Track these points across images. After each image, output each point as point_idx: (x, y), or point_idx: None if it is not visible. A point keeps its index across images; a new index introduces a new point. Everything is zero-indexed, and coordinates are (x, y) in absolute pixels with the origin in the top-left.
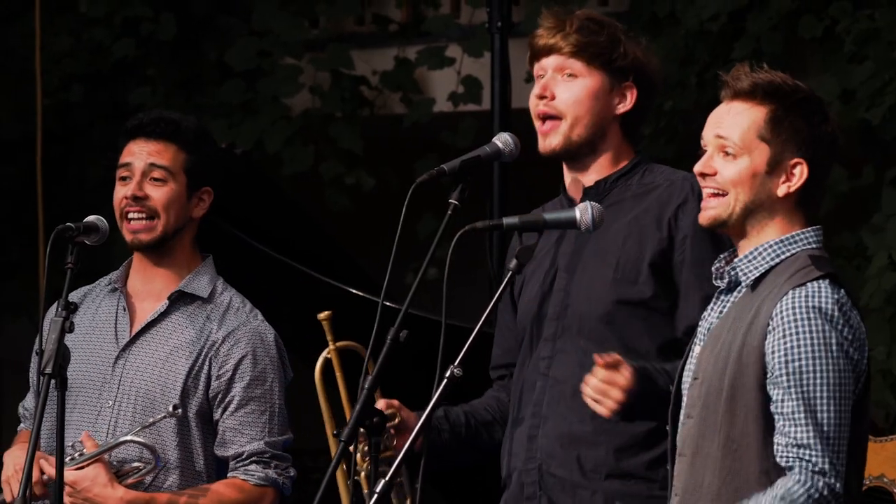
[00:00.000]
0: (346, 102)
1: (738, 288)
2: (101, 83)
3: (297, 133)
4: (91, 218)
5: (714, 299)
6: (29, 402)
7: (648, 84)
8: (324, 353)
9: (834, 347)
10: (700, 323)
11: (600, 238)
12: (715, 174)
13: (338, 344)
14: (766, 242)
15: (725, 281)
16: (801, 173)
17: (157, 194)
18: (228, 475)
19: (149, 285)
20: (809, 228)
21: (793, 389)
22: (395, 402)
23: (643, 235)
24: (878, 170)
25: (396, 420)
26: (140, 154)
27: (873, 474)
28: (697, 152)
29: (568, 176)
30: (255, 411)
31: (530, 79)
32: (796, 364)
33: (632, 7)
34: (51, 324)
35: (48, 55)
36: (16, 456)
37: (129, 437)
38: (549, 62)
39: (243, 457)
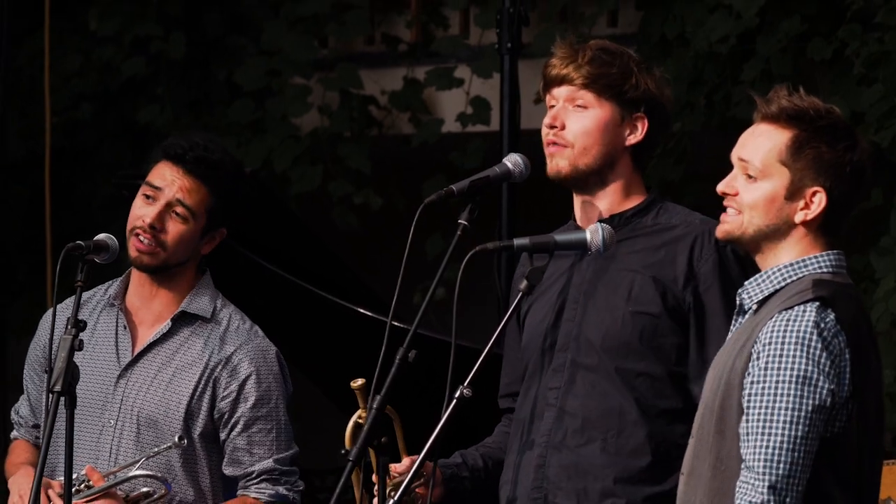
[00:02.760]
0: (354, 122)
1: (748, 312)
2: (110, 102)
3: (305, 152)
4: (101, 236)
5: (731, 325)
6: (24, 409)
7: (660, 115)
8: (354, 417)
9: (800, 374)
10: None
11: (614, 271)
12: (736, 195)
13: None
14: (776, 266)
15: (737, 305)
16: (819, 202)
17: (174, 230)
18: (238, 493)
19: (149, 303)
20: (825, 252)
21: (752, 411)
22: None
23: (659, 273)
24: (886, 193)
25: (421, 480)
26: (172, 183)
27: (881, 497)
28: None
29: (578, 203)
30: (263, 430)
31: (539, 100)
32: (759, 386)
33: (641, 28)
34: (60, 341)
35: (57, 74)
36: (20, 483)
37: (137, 472)
38: (561, 92)
39: (253, 475)
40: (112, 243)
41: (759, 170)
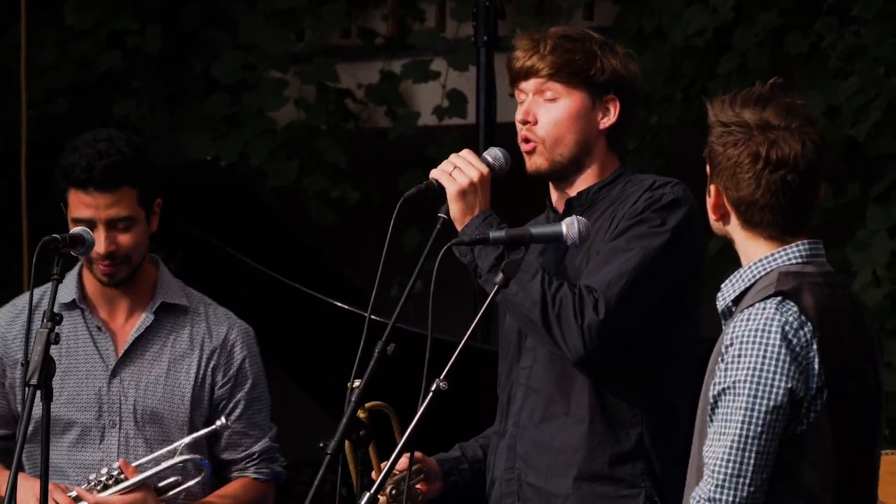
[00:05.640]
0: (330, 116)
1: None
2: (86, 96)
3: (281, 146)
4: (77, 229)
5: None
6: None
7: (630, 93)
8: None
9: (755, 374)
10: None
11: (575, 251)
12: None
13: (368, 405)
14: (749, 262)
15: (720, 308)
16: (719, 199)
17: (126, 240)
18: (236, 475)
19: (118, 301)
20: (796, 244)
21: (716, 412)
22: (418, 455)
23: (595, 244)
24: (862, 186)
25: (422, 476)
26: (98, 209)
27: None
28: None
29: (553, 192)
30: (258, 411)
31: None
32: (721, 386)
33: (618, 22)
34: (36, 335)
35: (33, 67)
36: (27, 488)
37: (178, 459)
38: (529, 85)
39: (254, 456)
40: (88, 236)
41: None
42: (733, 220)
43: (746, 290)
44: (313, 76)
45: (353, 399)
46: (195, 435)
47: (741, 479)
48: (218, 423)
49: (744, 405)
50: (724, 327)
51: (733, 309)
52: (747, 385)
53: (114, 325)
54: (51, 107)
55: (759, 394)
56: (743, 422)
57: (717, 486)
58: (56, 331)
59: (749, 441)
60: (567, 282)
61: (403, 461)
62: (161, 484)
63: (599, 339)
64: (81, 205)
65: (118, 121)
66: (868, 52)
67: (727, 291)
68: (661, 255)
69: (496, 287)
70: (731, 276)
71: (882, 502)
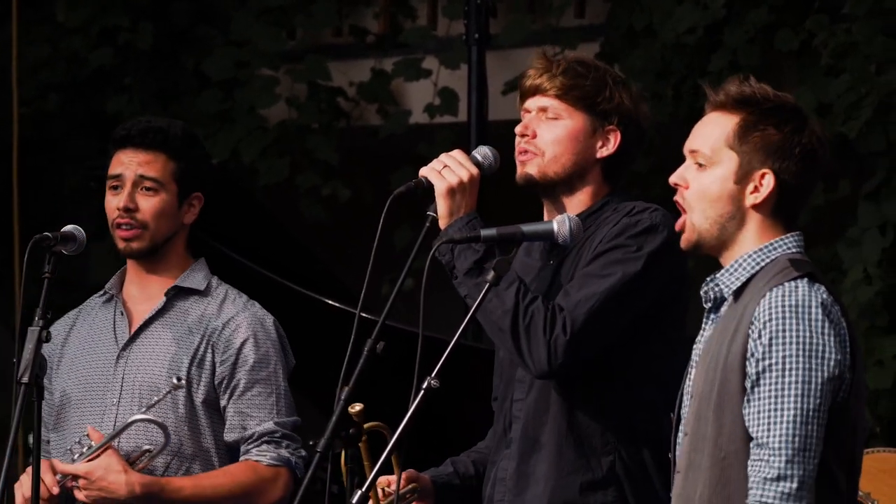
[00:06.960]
0: (322, 113)
1: (725, 303)
2: (78, 92)
3: (272, 144)
4: (68, 227)
5: (704, 321)
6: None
7: (635, 129)
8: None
9: (807, 346)
10: (694, 347)
11: (561, 278)
12: (687, 187)
13: (366, 426)
14: (745, 253)
15: (711, 299)
16: (768, 184)
17: (148, 205)
18: (241, 458)
19: (144, 290)
20: (789, 235)
21: (762, 388)
22: (412, 472)
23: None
24: (853, 183)
25: (416, 494)
26: (129, 164)
27: None
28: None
29: (546, 215)
30: (262, 393)
31: (507, 91)
32: (766, 363)
33: (608, 19)
34: (27, 333)
35: (25, 64)
36: (21, 482)
37: (137, 417)
38: (534, 102)
39: (254, 437)
40: (79, 234)
41: (708, 157)
42: (761, 206)
43: (749, 277)
44: (305, 74)
45: (342, 397)
46: (154, 400)
47: (807, 453)
48: (173, 381)
49: (800, 379)
50: (707, 319)
51: (728, 298)
52: (801, 359)
53: (135, 311)
54: (43, 104)
55: (814, 366)
56: (802, 395)
57: (786, 461)
58: (48, 329)
59: (811, 414)
60: (542, 297)
61: (395, 479)
62: (133, 454)
63: (564, 356)
64: (117, 162)
65: (111, 117)
66: (859, 49)
67: (728, 280)
68: (635, 279)
69: (487, 285)
70: (728, 267)
71: (873, 499)
